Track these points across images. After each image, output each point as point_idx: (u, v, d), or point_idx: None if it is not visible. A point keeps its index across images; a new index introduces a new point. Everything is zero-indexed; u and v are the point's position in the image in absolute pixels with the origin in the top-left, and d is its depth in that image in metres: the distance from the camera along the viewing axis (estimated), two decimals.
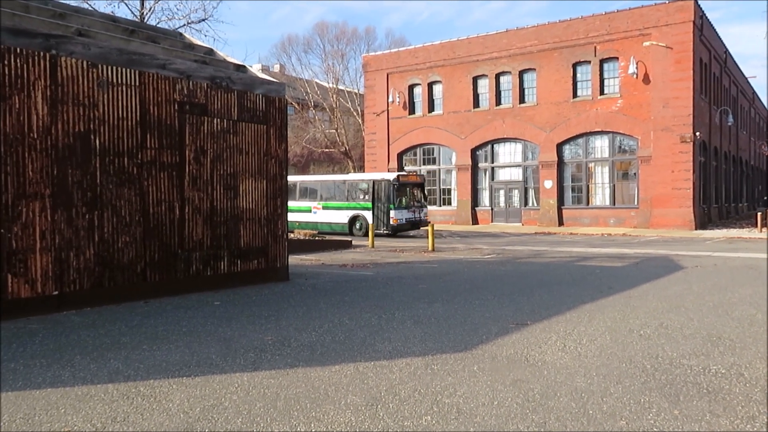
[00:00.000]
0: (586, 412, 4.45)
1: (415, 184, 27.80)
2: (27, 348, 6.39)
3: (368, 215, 26.41)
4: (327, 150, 50.26)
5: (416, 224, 27.05)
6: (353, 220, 27.01)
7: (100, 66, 8.98)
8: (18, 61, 8.05)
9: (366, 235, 25.93)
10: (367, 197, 26.72)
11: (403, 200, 26.46)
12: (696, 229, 29.05)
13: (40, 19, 9.53)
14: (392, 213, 25.76)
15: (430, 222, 28.88)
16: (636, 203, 30.86)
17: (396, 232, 25.77)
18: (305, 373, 5.44)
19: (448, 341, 6.70)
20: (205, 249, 10.50)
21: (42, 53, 8.32)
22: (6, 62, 7.93)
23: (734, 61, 41.92)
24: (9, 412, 4.46)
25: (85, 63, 8.79)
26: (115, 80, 9.17)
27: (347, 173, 44.48)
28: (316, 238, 21.62)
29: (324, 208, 27.40)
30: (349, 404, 4.64)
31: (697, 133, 29.70)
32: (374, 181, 26.78)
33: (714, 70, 35.12)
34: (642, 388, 5.03)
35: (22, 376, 5.35)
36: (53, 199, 8.41)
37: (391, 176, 26.75)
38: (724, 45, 37.27)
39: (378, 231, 25.81)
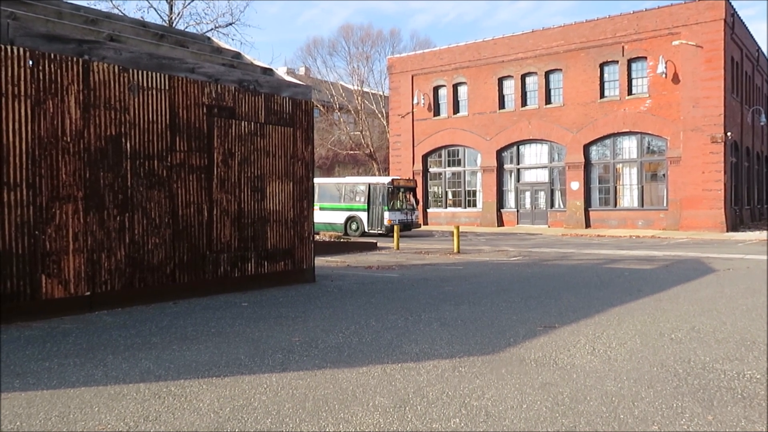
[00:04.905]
0: (617, 417, 4.40)
1: (408, 188, 28.76)
2: (61, 347, 6.53)
3: (363, 216, 27.65)
4: (352, 152, 50.44)
5: (408, 225, 28.11)
6: (349, 220, 28.12)
7: (130, 70, 9.14)
8: (52, 66, 8.24)
9: (362, 235, 26.96)
10: (362, 199, 27.87)
11: (397, 203, 27.55)
12: (727, 231, 28.49)
13: (73, 24, 9.73)
14: (386, 215, 26.87)
15: (420, 224, 29.64)
16: (665, 205, 30.37)
17: (389, 232, 26.48)
18: (333, 375, 5.47)
19: (476, 344, 6.67)
20: (233, 250, 10.60)
21: (75, 58, 8.50)
22: (40, 68, 8.11)
23: (767, 59, 41.02)
24: (45, 410, 4.56)
25: (116, 68, 8.96)
26: (145, 84, 9.32)
27: (372, 175, 44.62)
28: (342, 240, 21.71)
29: (321, 209, 28.04)
30: (377, 406, 4.64)
31: (729, 134, 29.14)
32: (370, 185, 28.00)
33: (746, 68, 34.44)
34: (674, 392, 4.95)
35: (56, 375, 5.46)
36: (86, 201, 8.57)
37: (386, 180, 27.78)
38: (756, 43, 36.51)
39: (372, 231, 27.19)
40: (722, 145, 28.63)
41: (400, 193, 27.89)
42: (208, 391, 4.99)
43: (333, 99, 48.54)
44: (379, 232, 26.96)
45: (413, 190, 29.23)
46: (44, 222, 8.13)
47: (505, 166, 35.49)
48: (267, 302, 9.63)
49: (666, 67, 29.42)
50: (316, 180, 29.20)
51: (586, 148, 32.48)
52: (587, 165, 32.54)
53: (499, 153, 35.41)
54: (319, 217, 27.97)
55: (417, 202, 29.56)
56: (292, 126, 11.70)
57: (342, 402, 4.73)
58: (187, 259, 9.90)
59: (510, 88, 35.03)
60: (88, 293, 8.61)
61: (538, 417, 4.40)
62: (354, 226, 27.84)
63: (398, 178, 29.92)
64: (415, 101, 38.37)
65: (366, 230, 27.37)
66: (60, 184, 8.30)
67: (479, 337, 7.01)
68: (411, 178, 35.28)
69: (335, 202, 28.59)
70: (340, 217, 28.27)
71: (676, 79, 29.50)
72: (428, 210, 38.19)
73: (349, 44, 52.29)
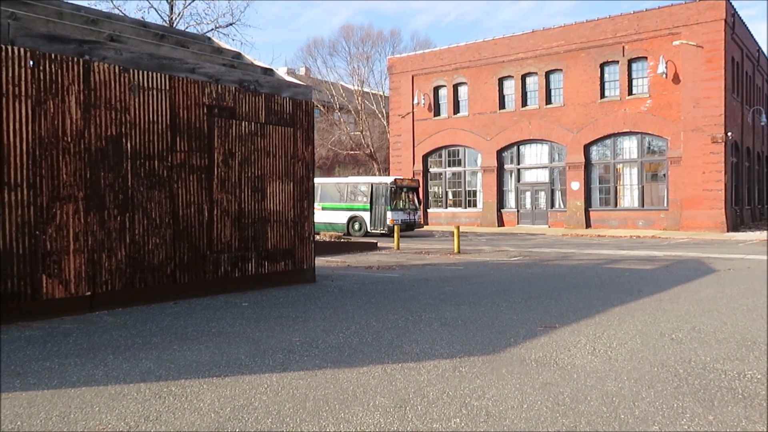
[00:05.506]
0: (617, 417, 4.40)
1: (410, 187, 28.83)
2: (61, 347, 6.53)
3: (366, 216, 27.68)
4: (352, 152, 50.43)
5: (411, 225, 28.14)
6: (351, 220, 28.14)
7: (131, 71, 9.14)
8: (53, 66, 8.24)
9: (365, 235, 26.94)
10: (365, 199, 27.92)
11: (399, 203, 27.60)
12: (728, 231, 28.49)
13: (74, 25, 9.74)
14: (389, 214, 26.89)
15: (423, 224, 29.55)
16: (665, 205, 30.37)
17: (392, 232, 26.54)
18: (333, 375, 5.47)
19: (476, 344, 6.67)
20: (233, 251, 10.61)
21: (76, 59, 8.50)
22: (41, 68, 8.12)
23: (767, 59, 41.00)
24: (45, 410, 4.56)
25: (117, 68, 8.96)
26: (146, 84, 9.32)
27: (372, 175, 44.62)
28: (342, 240, 21.71)
29: (323, 209, 28.08)
30: (377, 406, 4.64)
31: (729, 134, 29.13)
32: (373, 184, 28.03)
33: (746, 68, 34.43)
34: (675, 392, 4.95)
35: (57, 375, 5.46)
36: (86, 201, 8.58)
37: (389, 180, 27.81)
38: (756, 43, 36.51)
39: (375, 231, 27.23)
40: (723, 146, 28.62)
41: (403, 193, 27.96)
42: (208, 391, 5.00)
43: (333, 99, 48.54)
44: (382, 232, 26.98)
45: (416, 189, 29.26)
46: (45, 222, 8.13)
47: (506, 167, 35.49)
48: (267, 302, 9.63)
49: (666, 67, 29.42)
50: (319, 180, 29.28)
51: (587, 148, 32.48)
52: (587, 165, 32.54)
53: (500, 153, 35.41)
54: (322, 217, 27.95)
55: (420, 202, 29.58)
56: (293, 126, 11.70)
57: (342, 402, 4.73)
58: (187, 259, 9.90)
59: (510, 88, 35.03)
60: (89, 293, 8.61)
61: (539, 417, 4.40)
62: (357, 226, 27.87)
63: (401, 177, 29.93)
64: (416, 101, 38.37)
65: (369, 230, 27.40)
66: (60, 184, 8.30)
67: (480, 337, 7.01)
68: (413, 178, 35.31)
69: (338, 202, 28.62)
70: (342, 217, 28.31)
71: (676, 79, 29.49)
72: (428, 210, 38.19)
73: (350, 44, 52.32)
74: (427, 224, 36.95)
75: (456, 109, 37.22)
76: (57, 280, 8.25)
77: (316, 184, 28.91)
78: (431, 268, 14.76)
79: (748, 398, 4.81)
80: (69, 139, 8.39)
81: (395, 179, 27.89)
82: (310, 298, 10.02)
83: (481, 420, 4.35)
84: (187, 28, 25.96)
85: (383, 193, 27.20)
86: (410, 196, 28.52)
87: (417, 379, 5.33)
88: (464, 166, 37.33)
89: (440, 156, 38.24)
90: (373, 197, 27.52)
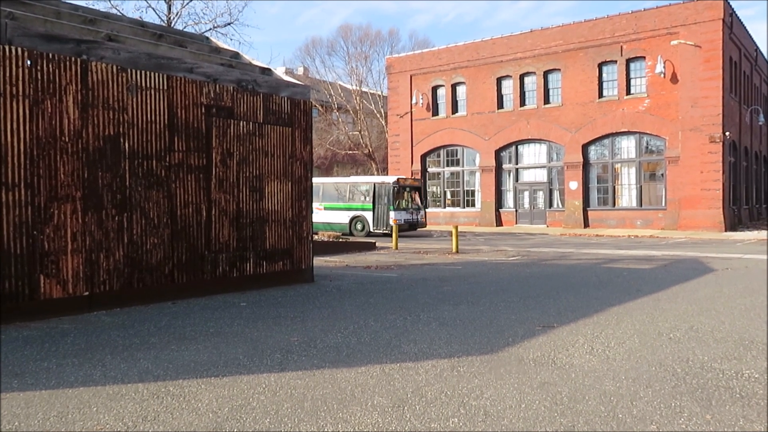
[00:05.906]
0: (615, 416, 4.40)
1: (413, 187, 28.77)
2: (59, 347, 6.52)
3: (368, 216, 27.58)
4: (350, 152, 50.42)
5: (414, 225, 28.09)
6: (354, 220, 28.07)
7: (129, 70, 9.12)
8: (50, 66, 8.22)
9: (368, 235, 26.86)
10: (367, 199, 27.83)
11: (402, 202, 27.53)
12: (726, 230, 28.52)
13: (71, 24, 9.72)
14: (392, 214, 26.76)
15: (426, 223, 29.51)
16: (664, 204, 30.41)
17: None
18: (332, 374, 5.47)
19: (474, 343, 6.67)
20: (232, 250, 10.60)
21: (73, 58, 8.48)
22: (39, 68, 8.10)
23: (765, 59, 41.08)
24: (43, 410, 4.56)
25: (114, 67, 8.94)
26: (143, 84, 9.31)
27: (371, 175, 44.61)
28: (340, 240, 21.70)
29: (325, 208, 28.08)
30: (375, 405, 4.64)
31: (727, 133, 29.17)
32: (375, 184, 27.90)
33: (744, 68, 34.49)
34: (673, 392, 4.96)
35: (55, 375, 5.46)
36: (84, 201, 8.56)
37: (391, 179, 27.68)
38: (754, 43, 36.57)
39: (377, 231, 27.16)
40: (720, 145, 28.66)
41: (405, 193, 27.87)
42: (206, 391, 4.99)
43: (331, 99, 48.51)
44: (385, 231, 26.86)
45: (418, 189, 29.17)
46: (42, 222, 8.12)
47: (504, 166, 35.51)
48: (265, 302, 9.62)
49: (664, 67, 29.45)
50: (321, 180, 29.26)
51: (585, 147, 32.51)
52: (586, 165, 32.57)
53: (498, 153, 35.43)
54: (324, 217, 27.89)
55: (422, 202, 29.53)
56: (291, 126, 11.69)
57: (341, 402, 4.73)
58: (185, 259, 9.89)
59: (509, 87, 35.06)
60: (87, 293, 8.60)
61: (537, 416, 4.40)
62: (359, 226, 27.82)
63: (403, 177, 29.86)
64: (414, 101, 38.38)
65: (371, 230, 27.34)
66: (58, 184, 8.29)
67: (478, 336, 7.01)
68: (417, 177, 35.31)
69: (340, 202, 28.55)
70: (344, 217, 28.26)
71: (674, 78, 29.53)
72: (427, 210, 38.17)
73: (348, 44, 52.31)
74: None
75: (454, 108, 37.23)
76: (55, 280, 8.24)
77: (317, 184, 29.08)
78: (429, 267, 14.76)
79: (746, 397, 4.81)
80: (67, 139, 8.38)
81: (398, 179, 27.76)
82: (308, 298, 10.02)
83: (480, 419, 4.35)
84: (185, 27, 25.96)
85: (386, 192, 27.11)
86: (413, 195, 28.46)
87: (415, 378, 5.33)
88: (462, 166, 37.35)
89: (438, 156, 38.25)
90: (376, 197, 27.44)
